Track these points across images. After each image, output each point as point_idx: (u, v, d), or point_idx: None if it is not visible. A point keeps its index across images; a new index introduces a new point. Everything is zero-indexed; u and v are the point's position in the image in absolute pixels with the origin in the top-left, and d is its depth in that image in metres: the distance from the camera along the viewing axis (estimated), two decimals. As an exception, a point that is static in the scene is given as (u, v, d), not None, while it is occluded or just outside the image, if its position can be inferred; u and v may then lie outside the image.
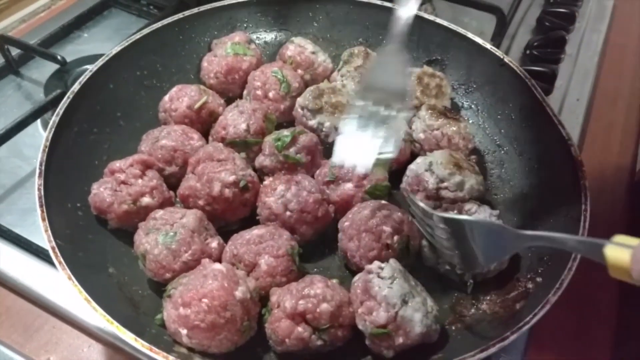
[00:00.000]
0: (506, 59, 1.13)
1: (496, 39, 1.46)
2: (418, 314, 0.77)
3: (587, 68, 1.45)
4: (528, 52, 1.46)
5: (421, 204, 0.83)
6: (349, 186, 0.95)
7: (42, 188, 0.85)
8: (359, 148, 0.83)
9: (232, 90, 1.18)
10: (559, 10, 1.56)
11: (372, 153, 0.82)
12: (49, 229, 0.81)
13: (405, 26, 0.84)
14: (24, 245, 0.98)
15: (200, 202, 0.92)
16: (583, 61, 1.47)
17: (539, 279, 0.84)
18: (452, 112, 1.09)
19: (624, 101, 1.40)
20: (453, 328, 0.86)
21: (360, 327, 0.79)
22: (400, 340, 0.77)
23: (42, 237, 0.93)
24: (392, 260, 0.83)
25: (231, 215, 0.94)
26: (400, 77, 0.86)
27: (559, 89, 1.38)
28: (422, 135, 1.06)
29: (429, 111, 1.06)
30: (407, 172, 1.00)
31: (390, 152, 0.82)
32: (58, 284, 0.92)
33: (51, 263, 0.93)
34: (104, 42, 1.46)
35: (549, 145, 1.00)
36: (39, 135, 1.21)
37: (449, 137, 1.04)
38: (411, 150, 1.07)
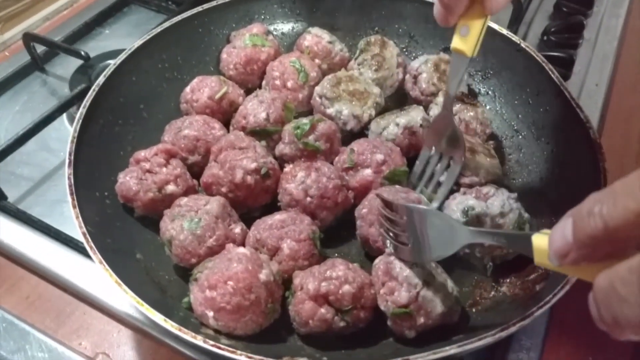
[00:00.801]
0: (523, 44, 1.13)
1: (513, 26, 1.46)
2: (439, 294, 0.78)
3: (606, 53, 1.44)
4: (545, 38, 1.45)
5: (384, 196, 0.85)
6: (367, 172, 0.96)
7: (72, 177, 0.88)
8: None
9: (251, 80, 1.20)
10: (576, -5, 1.55)
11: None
12: (79, 215, 0.83)
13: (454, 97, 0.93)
14: (53, 234, 1.01)
15: (223, 189, 0.94)
16: (602, 46, 1.46)
17: (558, 261, 0.84)
18: (469, 97, 1.10)
19: (644, 86, 1.39)
20: (473, 310, 0.87)
21: (382, 307, 0.81)
22: (422, 320, 0.78)
23: (71, 227, 0.97)
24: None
25: (253, 201, 0.96)
26: (455, 136, 0.95)
27: (577, 74, 1.37)
28: None
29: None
30: (422, 158, 1.01)
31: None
32: (88, 272, 0.95)
33: (80, 251, 0.98)
34: (124, 37, 1.49)
35: (568, 128, 1.00)
36: (64, 129, 1.25)
37: (467, 122, 1.04)
38: None
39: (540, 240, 0.56)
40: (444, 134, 0.95)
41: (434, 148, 0.97)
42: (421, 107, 1.08)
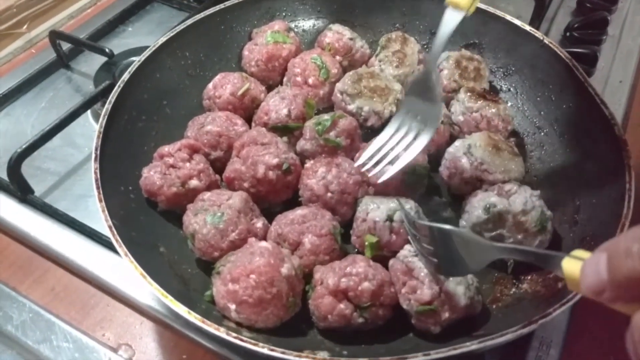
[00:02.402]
0: (546, 40, 1.12)
1: (534, 23, 1.44)
2: (460, 287, 0.78)
3: (631, 49, 1.42)
4: (568, 34, 1.44)
5: (406, 211, 0.86)
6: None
7: (98, 171, 0.90)
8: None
9: (272, 77, 1.20)
10: (600, -10, 1.53)
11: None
12: (105, 209, 0.85)
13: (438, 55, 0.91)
14: (78, 228, 1.04)
15: (245, 185, 0.95)
16: (626, 42, 1.44)
17: (581, 259, 0.84)
18: (491, 94, 1.09)
19: (670, 83, 1.37)
20: (494, 307, 0.87)
21: (405, 307, 0.81)
22: (447, 314, 0.78)
23: (95, 220, 1.00)
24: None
25: (274, 196, 0.97)
26: (435, 105, 0.93)
27: (601, 70, 1.35)
28: (461, 118, 1.06)
29: (468, 93, 1.06)
30: (446, 156, 1.00)
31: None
32: (112, 264, 0.97)
33: (104, 244, 1.00)
34: (147, 35, 1.51)
35: (592, 125, 0.99)
36: (89, 125, 1.27)
37: (488, 119, 1.04)
38: (450, 133, 1.08)
39: (571, 266, 0.53)
40: (421, 94, 0.92)
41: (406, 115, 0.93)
42: (442, 104, 1.08)
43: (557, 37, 1.45)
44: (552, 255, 0.58)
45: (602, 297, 0.47)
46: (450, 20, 0.86)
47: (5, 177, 1.10)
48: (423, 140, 0.90)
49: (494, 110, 1.05)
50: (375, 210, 0.88)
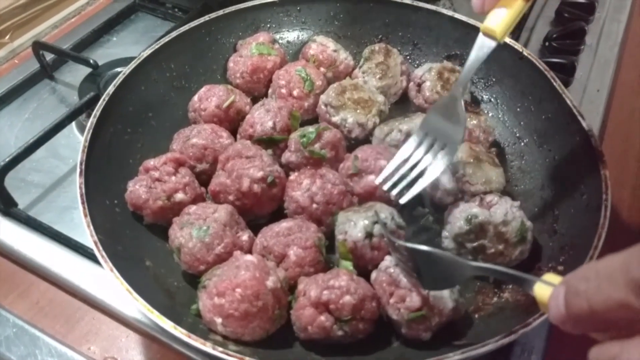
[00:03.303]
0: (525, 52, 1.14)
1: (515, 32, 1.47)
2: (445, 290, 0.80)
3: (608, 58, 1.45)
4: (547, 44, 1.46)
5: (385, 234, 0.87)
6: (371, 178, 0.97)
7: (83, 186, 0.90)
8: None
9: (257, 89, 1.22)
10: (577, 1, 1.56)
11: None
12: (90, 224, 0.85)
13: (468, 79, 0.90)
14: (63, 241, 1.03)
15: (231, 197, 0.96)
16: (603, 51, 1.47)
17: (560, 268, 0.86)
18: (472, 105, 1.11)
19: (646, 91, 1.40)
20: (476, 316, 0.88)
21: (394, 317, 0.82)
22: (437, 319, 0.80)
23: (81, 233, 0.99)
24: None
25: (260, 209, 0.98)
26: (458, 127, 0.91)
27: (579, 80, 1.38)
28: None
29: None
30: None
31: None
32: (97, 278, 0.97)
33: (89, 258, 1.00)
34: (132, 45, 1.51)
35: (570, 136, 1.01)
36: (73, 136, 1.27)
37: (470, 130, 1.06)
38: None
39: (542, 292, 0.56)
40: (444, 115, 0.91)
41: (426, 133, 0.92)
42: (465, 128, 1.09)
43: (536, 47, 1.48)
44: (525, 278, 0.62)
45: (565, 327, 0.52)
46: (483, 48, 0.84)
47: (-12, 191, 1.09)
48: (444, 161, 0.90)
49: (474, 122, 1.07)
50: (353, 228, 0.88)
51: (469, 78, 0.90)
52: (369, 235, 0.88)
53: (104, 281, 0.96)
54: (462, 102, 0.90)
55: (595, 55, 1.45)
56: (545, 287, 0.56)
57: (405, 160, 0.92)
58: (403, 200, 0.91)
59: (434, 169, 0.90)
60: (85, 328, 0.95)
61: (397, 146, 1.03)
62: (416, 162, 0.92)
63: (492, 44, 0.83)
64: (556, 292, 0.52)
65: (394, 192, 0.92)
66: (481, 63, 0.86)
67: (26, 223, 1.07)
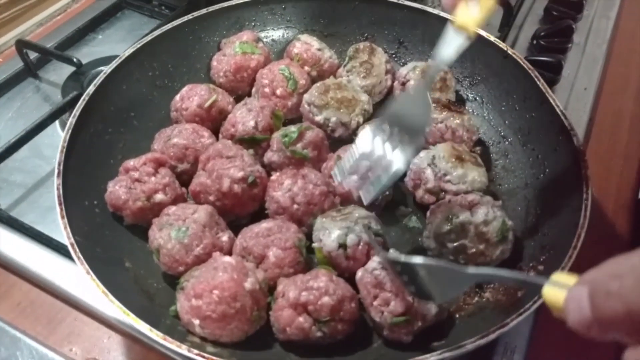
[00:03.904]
0: (509, 51, 1.14)
1: (503, 30, 1.47)
2: None
3: (596, 56, 1.45)
4: (535, 42, 1.46)
5: (373, 251, 0.85)
6: (354, 178, 0.96)
7: (60, 187, 0.89)
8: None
9: (241, 88, 1.21)
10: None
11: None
12: (67, 226, 0.85)
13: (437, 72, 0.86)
14: (45, 241, 1.02)
15: (211, 198, 0.95)
16: (591, 49, 1.47)
17: (540, 267, 0.86)
18: (456, 104, 1.11)
19: (633, 89, 1.40)
20: (457, 316, 0.88)
21: (377, 319, 0.82)
22: (420, 324, 0.80)
23: (62, 234, 0.99)
24: (392, 250, 0.85)
25: (241, 209, 0.98)
26: (422, 118, 0.85)
27: (567, 78, 1.38)
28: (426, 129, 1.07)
29: (433, 105, 1.08)
30: (410, 166, 1.02)
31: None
32: (78, 279, 0.96)
33: (71, 258, 0.98)
34: (118, 43, 1.50)
35: (553, 135, 1.01)
36: (57, 135, 1.26)
37: (453, 129, 1.06)
38: None
39: (553, 295, 0.51)
40: (410, 111, 0.84)
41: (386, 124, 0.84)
42: (430, 122, 1.09)
43: (524, 45, 1.48)
44: (532, 282, 0.58)
45: (591, 333, 0.46)
46: (455, 43, 0.81)
47: (-31, 190, 1.09)
48: (409, 155, 0.82)
49: (458, 121, 1.06)
50: (327, 237, 0.88)
51: (438, 72, 0.87)
52: (342, 246, 0.87)
53: (86, 282, 0.95)
54: (429, 94, 0.86)
55: (583, 53, 1.45)
56: (556, 290, 0.51)
57: (368, 154, 0.84)
58: (366, 202, 0.86)
59: (399, 162, 0.82)
60: (67, 329, 0.95)
61: None
62: (379, 156, 0.84)
63: (465, 38, 0.80)
64: (577, 293, 0.45)
65: (360, 190, 0.86)
66: (453, 58, 0.83)
67: (7, 223, 1.06)
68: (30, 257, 1.01)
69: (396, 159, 0.82)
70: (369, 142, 0.84)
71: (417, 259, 0.73)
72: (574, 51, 1.45)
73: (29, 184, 1.16)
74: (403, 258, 0.75)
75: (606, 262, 0.44)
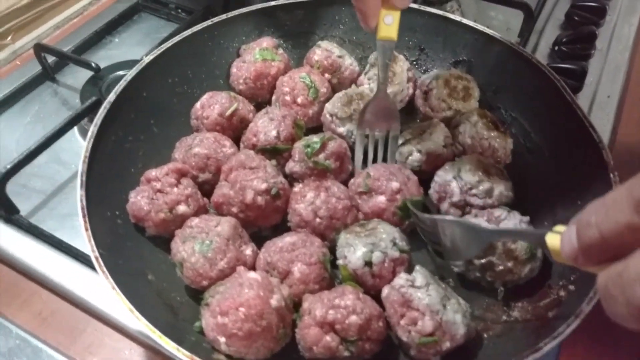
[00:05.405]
0: (534, 60, 1.12)
1: (523, 35, 1.45)
2: (458, 315, 0.78)
3: (618, 63, 1.42)
4: (557, 48, 1.44)
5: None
6: (381, 199, 0.94)
7: (84, 199, 0.88)
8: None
9: (261, 95, 1.20)
10: (588, 4, 1.53)
11: None
12: (92, 238, 0.84)
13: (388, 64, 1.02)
14: (65, 249, 1.02)
15: (234, 210, 0.94)
16: (614, 56, 1.45)
17: (571, 287, 0.84)
18: (503, 125, 1.09)
19: (657, 96, 1.38)
20: (485, 336, 0.87)
21: (404, 339, 0.80)
22: (448, 344, 0.78)
23: (82, 241, 0.97)
24: (418, 267, 0.84)
25: (263, 221, 0.97)
26: (394, 113, 1.06)
27: (589, 85, 1.36)
28: (469, 141, 1.05)
29: (482, 119, 1.06)
30: (435, 178, 1.00)
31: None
32: (99, 288, 0.96)
33: (92, 267, 0.97)
34: (134, 46, 1.50)
35: (580, 148, 0.98)
36: (75, 140, 1.25)
37: (494, 149, 1.04)
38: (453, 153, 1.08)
39: (553, 241, 0.62)
40: (379, 114, 1.05)
41: (367, 129, 1.05)
42: (442, 125, 1.07)
43: (545, 51, 1.46)
44: (536, 233, 0.71)
45: (577, 262, 0.56)
46: (387, 50, 0.99)
47: (-11, 196, 1.08)
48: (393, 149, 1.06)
49: (502, 142, 1.04)
50: (352, 254, 0.87)
51: (387, 77, 1.03)
52: (368, 263, 0.86)
53: (106, 292, 0.94)
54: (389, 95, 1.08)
55: (606, 60, 1.43)
56: (555, 236, 0.62)
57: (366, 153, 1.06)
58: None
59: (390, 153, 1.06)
60: (88, 340, 0.94)
61: (420, 167, 1.04)
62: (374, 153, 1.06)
63: (392, 44, 0.97)
64: (568, 230, 0.57)
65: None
66: (390, 61, 1.03)
67: (28, 231, 1.06)
68: (50, 266, 1.01)
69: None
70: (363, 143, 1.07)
71: (445, 217, 0.92)
72: (597, 58, 1.43)
73: (47, 190, 1.16)
74: (431, 216, 0.90)
75: (589, 204, 0.55)
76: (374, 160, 1.06)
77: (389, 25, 0.95)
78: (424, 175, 1.04)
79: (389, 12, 0.94)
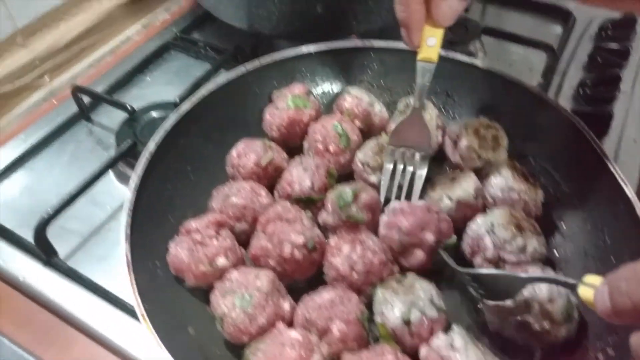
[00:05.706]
0: (560, 108, 1.13)
1: (547, 77, 1.47)
2: None
3: (644, 106, 1.43)
4: (581, 91, 1.45)
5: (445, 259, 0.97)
6: (419, 253, 0.97)
7: (129, 253, 0.90)
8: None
9: (293, 140, 1.22)
10: (612, 47, 1.55)
11: None
12: (137, 292, 0.85)
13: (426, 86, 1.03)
14: (102, 294, 1.04)
15: (271, 262, 0.96)
16: (639, 98, 1.46)
17: (609, 351, 0.84)
18: (534, 178, 1.10)
19: (683, 140, 1.38)
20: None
21: None
22: None
23: (117, 283, 1.00)
24: (455, 327, 0.86)
25: (300, 274, 0.98)
26: (425, 134, 1.09)
27: (615, 129, 1.36)
28: (499, 194, 1.06)
29: (513, 171, 1.07)
30: (468, 232, 1.01)
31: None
32: (137, 335, 0.97)
33: (129, 313, 1.00)
34: (165, 85, 1.53)
35: (611, 202, 0.99)
36: (109, 181, 1.28)
37: (525, 202, 1.04)
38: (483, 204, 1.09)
39: (586, 293, 0.69)
40: (411, 135, 1.08)
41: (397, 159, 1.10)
42: (473, 175, 1.08)
43: (569, 93, 1.47)
44: (569, 282, 0.76)
45: (612, 320, 0.61)
46: (426, 73, 1.00)
47: (28, 238, 1.11)
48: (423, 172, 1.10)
49: (533, 195, 1.05)
50: (390, 312, 0.88)
51: (424, 97, 1.05)
52: (406, 322, 0.87)
53: (145, 340, 0.95)
54: (425, 114, 1.11)
55: (631, 103, 1.43)
56: (587, 289, 0.68)
57: (393, 176, 1.10)
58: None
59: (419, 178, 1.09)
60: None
61: (452, 214, 1.04)
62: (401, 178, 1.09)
63: (432, 67, 0.99)
64: (601, 291, 0.62)
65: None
66: (428, 83, 1.02)
67: (66, 274, 1.08)
68: (88, 311, 1.02)
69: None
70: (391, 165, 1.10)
71: (482, 270, 0.95)
72: (621, 100, 1.44)
73: (84, 231, 1.19)
74: (469, 270, 0.94)
75: (621, 267, 0.60)
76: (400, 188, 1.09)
77: (431, 46, 0.96)
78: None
79: (432, 34, 0.95)
